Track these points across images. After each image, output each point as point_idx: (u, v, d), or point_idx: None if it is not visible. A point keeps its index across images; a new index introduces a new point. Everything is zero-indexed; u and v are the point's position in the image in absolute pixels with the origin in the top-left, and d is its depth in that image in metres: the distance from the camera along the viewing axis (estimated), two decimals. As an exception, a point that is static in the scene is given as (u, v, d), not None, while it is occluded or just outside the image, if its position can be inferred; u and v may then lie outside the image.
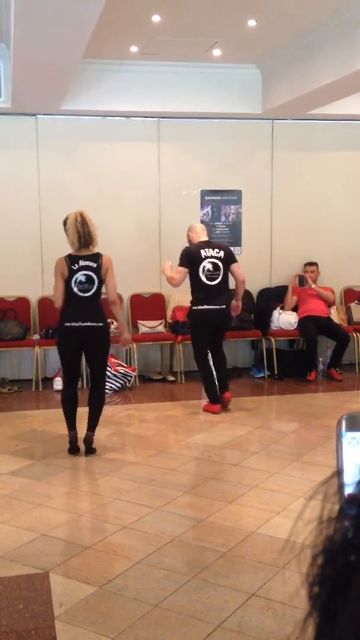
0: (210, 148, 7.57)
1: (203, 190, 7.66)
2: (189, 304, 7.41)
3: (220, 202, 7.72)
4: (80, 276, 4.76)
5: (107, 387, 6.80)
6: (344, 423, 1.03)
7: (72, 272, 4.76)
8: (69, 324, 4.78)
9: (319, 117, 7.46)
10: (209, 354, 6.12)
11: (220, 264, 5.91)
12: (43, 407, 6.48)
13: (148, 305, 7.58)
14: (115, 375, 6.89)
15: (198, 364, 6.12)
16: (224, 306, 5.90)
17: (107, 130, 7.34)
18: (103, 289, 4.90)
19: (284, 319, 7.52)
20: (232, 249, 7.60)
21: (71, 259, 4.80)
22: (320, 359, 7.38)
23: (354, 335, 7.53)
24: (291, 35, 6.04)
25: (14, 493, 4.21)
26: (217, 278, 5.89)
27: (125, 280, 7.44)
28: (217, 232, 7.71)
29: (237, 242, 7.75)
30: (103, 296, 4.93)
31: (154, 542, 3.51)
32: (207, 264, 5.87)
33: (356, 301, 7.92)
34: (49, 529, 3.68)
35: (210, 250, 5.92)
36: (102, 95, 6.88)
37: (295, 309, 7.59)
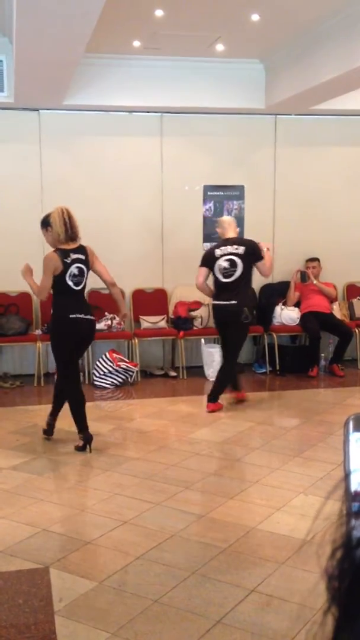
0: (213, 143, 7.55)
1: (206, 185, 7.65)
2: (191, 300, 7.46)
3: (222, 197, 7.70)
4: (74, 269, 4.80)
5: (108, 382, 6.85)
6: (351, 423, 1.03)
7: (67, 266, 4.77)
8: (74, 316, 4.80)
9: (322, 113, 7.44)
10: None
11: (237, 260, 5.82)
12: (45, 402, 6.47)
13: (150, 300, 7.58)
14: (117, 371, 6.89)
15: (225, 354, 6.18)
16: (234, 302, 5.84)
17: (110, 125, 7.33)
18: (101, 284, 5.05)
19: (286, 314, 7.51)
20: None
21: (62, 253, 4.80)
22: (322, 354, 7.37)
23: (356, 331, 7.52)
24: (295, 30, 6.02)
25: (15, 488, 4.22)
26: (233, 274, 5.82)
27: (128, 276, 7.45)
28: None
29: (240, 238, 7.73)
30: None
31: (155, 537, 3.52)
32: (222, 262, 5.82)
33: (358, 297, 7.91)
34: (49, 524, 3.68)
35: (228, 247, 5.86)
36: (104, 90, 6.87)
37: (297, 304, 7.58)
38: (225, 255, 5.85)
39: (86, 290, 7.41)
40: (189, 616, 2.78)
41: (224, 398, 6.12)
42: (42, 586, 3.02)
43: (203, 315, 7.40)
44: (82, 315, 4.81)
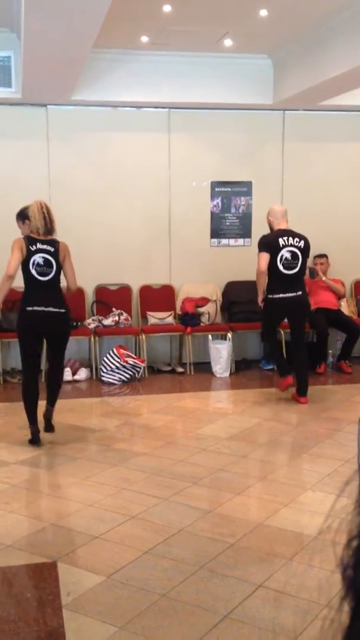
0: (220, 139, 7.54)
1: (213, 181, 7.63)
2: (198, 296, 7.45)
3: (230, 193, 7.69)
4: (38, 258, 4.75)
5: (115, 378, 6.85)
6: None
7: (30, 253, 4.74)
8: (30, 308, 4.75)
9: (330, 108, 7.41)
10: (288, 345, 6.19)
11: (299, 253, 5.82)
12: (52, 398, 6.49)
13: (157, 296, 7.58)
14: (124, 367, 6.90)
15: (266, 343, 6.22)
16: (300, 293, 5.84)
17: (118, 120, 7.33)
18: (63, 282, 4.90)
19: (294, 311, 7.49)
20: (243, 240, 7.58)
21: (29, 240, 4.78)
22: (330, 351, 7.36)
23: (364, 327, 7.50)
24: (303, 26, 5.99)
25: (23, 483, 4.24)
26: (295, 267, 5.81)
27: (135, 272, 7.46)
28: (227, 223, 7.69)
29: (247, 234, 7.72)
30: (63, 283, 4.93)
31: (162, 532, 3.52)
32: (285, 253, 5.78)
33: (366, 294, 7.88)
34: (57, 519, 3.70)
35: (291, 239, 5.83)
36: (112, 86, 6.86)
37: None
38: (288, 247, 5.80)
39: (91, 286, 7.46)
40: (197, 611, 2.79)
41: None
42: (50, 580, 3.03)
43: (210, 312, 7.40)
44: (41, 308, 4.73)
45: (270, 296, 5.92)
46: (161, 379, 7.19)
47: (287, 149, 7.72)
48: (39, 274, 4.75)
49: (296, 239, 5.85)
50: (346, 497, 0.58)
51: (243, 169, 7.66)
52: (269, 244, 5.84)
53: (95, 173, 7.33)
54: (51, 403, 5.07)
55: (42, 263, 4.75)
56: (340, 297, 7.60)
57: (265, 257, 5.80)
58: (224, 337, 7.35)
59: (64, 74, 5.89)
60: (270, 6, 5.53)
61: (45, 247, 4.77)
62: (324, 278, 7.47)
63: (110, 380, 6.87)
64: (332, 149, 7.79)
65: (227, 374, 7.16)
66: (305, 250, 5.88)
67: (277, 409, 6.19)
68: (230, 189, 7.68)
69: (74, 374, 7.00)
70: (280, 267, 5.79)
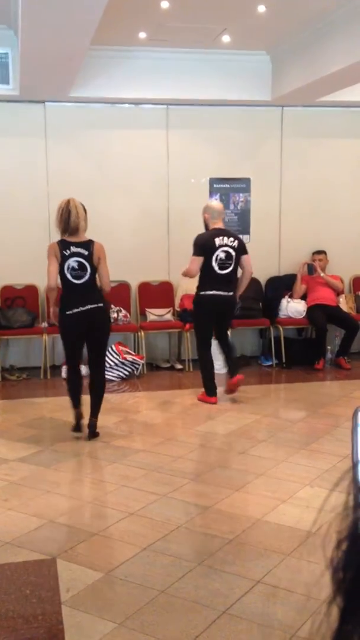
0: (219, 135, 7.53)
1: (212, 178, 7.63)
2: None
3: (229, 190, 7.69)
4: (72, 262, 4.78)
5: (114, 375, 6.86)
6: (359, 415, 1.03)
7: (64, 258, 4.77)
8: (70, 312, 4.80)
9: (329, 104, 7.40)
10: (214, 344, 6.11)
11: (233, 253, 5.85)
12: (51, 395, 6.50)
13: (156, 293, 7.58)
14: (123, 363, 6.90)
15: (200, 353, 6.06)
16: (231, 293, 5.89)
17: (116, 117, 7.32)
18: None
19: (293, 307, 7.50)
20: (241, 237, 7.60)
21: (63, 244, 4.80)
22: (329, 347, 7.36)
23: (363, 324, 7.51)
24: (301, 22, 5.98)
25: (22, 480, 4.24)
26: (228, 267, 5.85)
27: (133, 269, 7.45)
28: (226, 220, 7.66)
29: (246, 230, 7.72)
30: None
31: (161, 529, 3.53)
32: (220, 253, 5.81)
33: (365, 290, 7.89)
34: (56, 516, 3.70)
35: (226, 238, 5.86)
36: (110, 82, 6.85)
37: (303, 297, 7.57)
38: (223, 247, 5.82)
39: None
40: (195, 607, 2.79)
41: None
42: (49, 577, 3.03)
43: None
44: (79, 309, 4.78)
45: (201, 293, 5.91)
46: (160, 375, 7.20)
47: (286, 145, 7.72)
48: (74, 277, 4.79)
49: (231, 239, 5.86)
50: (340, 491, 0.58)
51: (242, 166, 7.65)
52: (203, 245, 5.83)
53: (94, 170, 7.32)
54: (94, 414, 5.04)
55: (76, 267, 4.78)
56: (338, 293, 7.60)
57: (199, 261, 5.81)
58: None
59: (61, 71, 5.88)
60: (268, 2, 5.52)
61: (79, 250, 4.78)
62: (322, 274, 7.48)
63: (109, 377, 6.86)
64: (330, 145, 7.79)
65: (225, 371, 7.15)
66: (240, 250, 5.87)
67: (275, 405, 6.20)
68: (228, 186, 7.68)
69: (73, 371, 7.00)
70: (215, 267, 5.80)
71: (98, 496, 4.01)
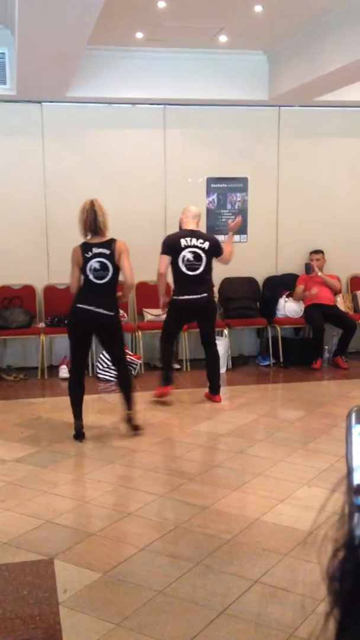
0: (216, 135, 7.53)
1: (209, 177, 7.63)
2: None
3: (226, 189, 7.68)
4: (94, 263, 4.84)
5: (112, 375, 6.84)
6: (353, 416, 1.02)
7: (86, 260, 4.84)
8: (80, 305, 4.86)
9: (326, 104, 7.40)
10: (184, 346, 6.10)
11: (202, 254, 5.76)
12: (49, 395, 6.50)
13: (154, 293, 7.53)
14: (120, 363, 6.89)
15: (161, 345, 6.13)
16: (205, 295, 5.80)
17: (113, 117, 7.31)
18: (121, 277, 4.94)
19: (290, 307, 7.50)
20: (239, 236, 7.58)
21: (84, 247, 4.88)
22: (326, 347, 7.36)
23: (360, 323, 7.51)
24: (298, 22, 5.98)
25: (19, 480, 4.24)
26: (198, 268, 5.75)
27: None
28: (223, 220, 7.68)
29: (243, 230, 7.72)
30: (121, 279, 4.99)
31: (158, 529, 3.53)
32: (187, 254, 5.73)
33: (362, 289, 7.89)
34: (53, 516, 3.70)
35: (194, 239, 5.79)
36: (107, 82, 6.84)
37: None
38: (190, 247, 5.76)
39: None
40: (193, 607, 2.79)
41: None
42: (46, 577, 3.03)
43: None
44: (92, 307, 4.82)
45: (175, 297, 5.90)
46: (158, 375, 7.16)
47: (283, 145, 7.72)
48: (96, 277, 4.86)
49: (200, 240, 5.79)
50: (341, 493, 0.57)
51: (239, 165, 7.65)
52: (170, 245, 5.82)
53: (91, 170, 7.31)
54: (129, 407, 5.08)
55: (98, 268, 4.85)
56: (336, 292, 7.60)
57: (165, 259, 5.81)
58: (220, 334, 7.34)
59: (58, 71, 5.88)
60: (265, 2, 5.52)
61: (100, 250, 4.85)
62: (319, 274, 7.48)
63: (107, 377, 6.86)
64: (327, 144, 7.79)
65: (223, 370, 7.14)
66: (211, 252, 5.79)
67: (273, 404, 6.20)
68: (226, 185, 7.67)
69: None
70: (183, 268, 5.76)
71: (95, 496, 4.00)
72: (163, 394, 6.00)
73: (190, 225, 5.89)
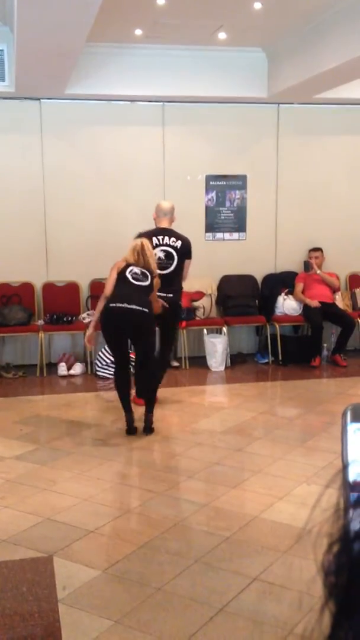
0: (215, 132, 7.52)
1: (208, 175, 7.62)
2: (193, 290, 7.43)
3: (225, 187, 7.68)
4: (135, 269, 5.01)
5: (111, 372, 6.83)
6: (349, 414, 1.02)
7: (124, 269, 5.01)
8: (113, 304, 4.88)
9: (325, 102, 7.39)
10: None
11: (174, 253, 5.67)
12: (47, 392, 6.50)
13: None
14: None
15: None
16: (172, 295, 5.64)
17: (112, 114, 7.30)
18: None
19: (289, 304, 7.51)
20: (238, 234, 7.58)
21: (127, 264, 5.04)
22: (325, 344, 7.37)
23: (359, 321, 7.51)
24: (297, 19, 5.98)
25: (19, 477, 4.24)
26: (169, 267, 5.63)
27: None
28: (222, 217, 7.68)
29: (242, 228, 7.72)
30: None
31: (157, 526, 3.53)
32: (158, 252, 5.60)
33: (361, 287, 7.89)
34: (53, 513, 3.70)
35: (167, 238, 5.68)
36: (106, 79, 6.83)
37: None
38: (162, 246, 5.65)
39: (86, 281, 7.45)
40: (192, 604, 2.80)
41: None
42: (45, 575, 3.03)
43: (205, 306, 7.40)
44: (124, 305, 4.85)
45: None
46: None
47: (282, 143, 7.71)
48: (135, 279, 4.99)
49: (172, 239, 5.69)
50: (336, 490, 0.57)
51: (238, 163, 7.64)
52: None
53: (89, 167, 7.30)
54: (148, 409, 5.13)
55: (138, 272, 5.01)
56: (335, 290, 7.61)
57: None
58: (219, 331, 7.35)
59: (57, 68, 5.87)
60: (264, -1, 5.51)
61: (139, 270, 5.03)
62: (318, 271, 7.48)
63: (106, 375, 6.86)
64: (326, 142, 7.78)
65: (222, 368, 7.16)
66: (183, 251, 5.68)
67: (272, 402, 6.20)
68: (225, 183, 7.67)
69: (69, 368, 7.00)
70: None
71: (95, 494, 4.01)
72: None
73: (163, 223, 5.77)
